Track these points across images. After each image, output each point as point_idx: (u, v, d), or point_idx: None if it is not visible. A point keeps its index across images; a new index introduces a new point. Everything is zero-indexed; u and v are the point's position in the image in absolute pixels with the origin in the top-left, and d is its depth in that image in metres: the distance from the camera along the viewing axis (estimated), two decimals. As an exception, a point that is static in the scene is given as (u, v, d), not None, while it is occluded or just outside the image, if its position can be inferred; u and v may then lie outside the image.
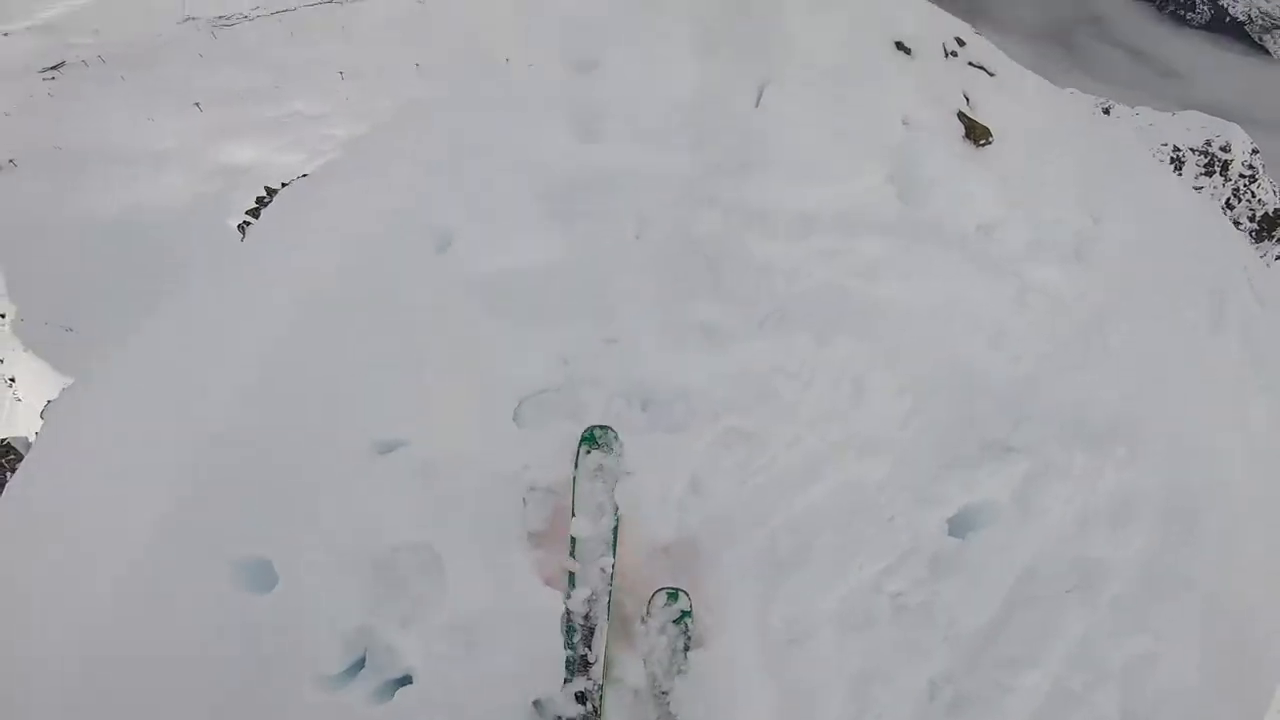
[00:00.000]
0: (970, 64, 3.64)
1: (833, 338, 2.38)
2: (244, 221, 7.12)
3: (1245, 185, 26.58)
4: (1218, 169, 26.90)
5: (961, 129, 3.11)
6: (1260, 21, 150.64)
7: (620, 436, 2.02)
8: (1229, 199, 26.50)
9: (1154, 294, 3.07)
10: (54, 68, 58.09)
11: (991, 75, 3.69)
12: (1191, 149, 27.62)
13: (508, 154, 2.66)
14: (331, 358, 2.28)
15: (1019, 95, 3.75)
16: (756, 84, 2.88)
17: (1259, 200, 26.02)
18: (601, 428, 2.01)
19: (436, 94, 3.96)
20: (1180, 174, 26.45)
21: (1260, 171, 27.86)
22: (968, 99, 3.35)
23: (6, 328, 31.86)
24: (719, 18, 3.09)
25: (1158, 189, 4.30)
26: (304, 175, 7.23)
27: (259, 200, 6.78)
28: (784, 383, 2.27)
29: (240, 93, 53.64)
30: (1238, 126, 30.14)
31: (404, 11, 79.95)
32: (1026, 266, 2.78)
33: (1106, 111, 34.69)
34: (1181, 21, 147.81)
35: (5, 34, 75.82)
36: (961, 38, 3.77)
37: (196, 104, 52.34)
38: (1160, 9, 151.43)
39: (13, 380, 29.38)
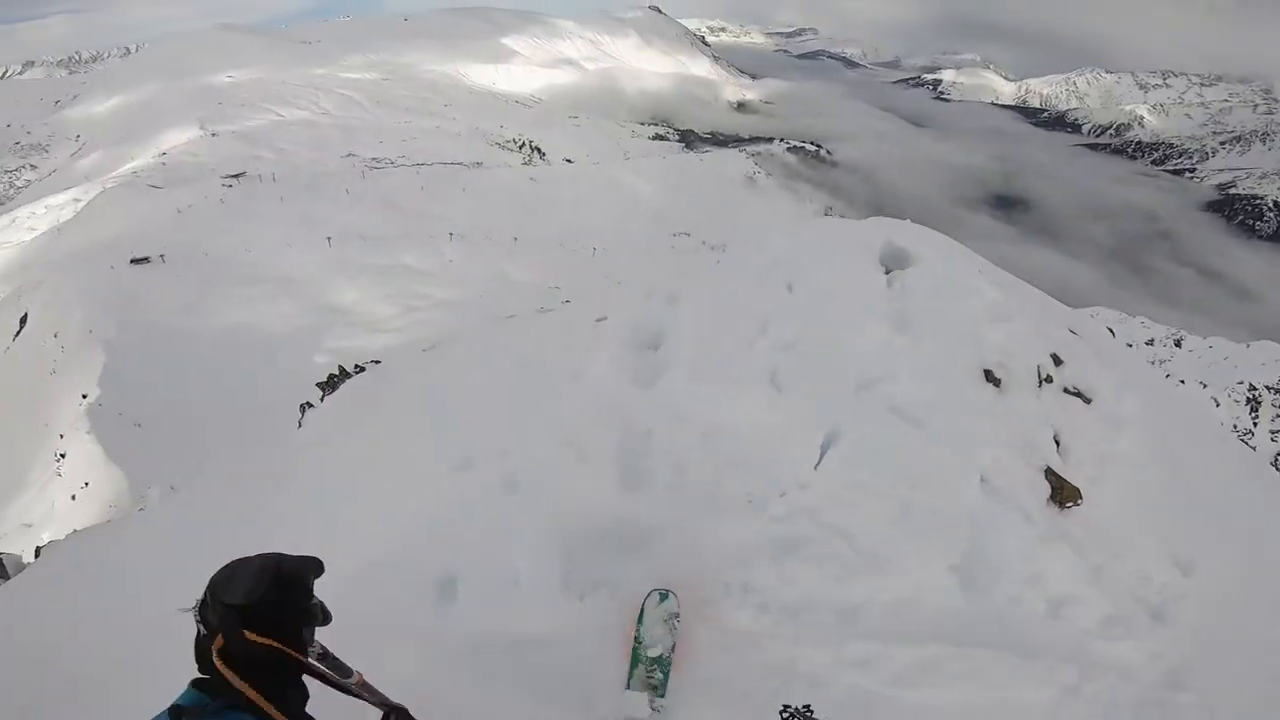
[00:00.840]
0: (1066, 390, 3.26)
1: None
2: (306, 403, 7.31)
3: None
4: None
5: (1048, 488, 2.68)
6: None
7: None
8: (1307, 445, 24.74)
9: (1241, 638, 2.61)
10: (235, 176, 67.88)
11: (1088, 402, 3.30)
12: (1268, 387, 26.43)
13: (544, 494, 2.48)
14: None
15: (1116, 422, 3.33)
16: (824, 431, 2.59)
17: (1339, 445, 24.23)
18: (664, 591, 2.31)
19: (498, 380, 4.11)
20: (1256, 416, 25.04)
21: (1348, 416, 26.11)
22: (1058, 441, 2.94)
23: (83, 407, 33.97)
24: (797, 337, 2.89)
25: (1254, 505, 3.72)
26: (375, 362, 7.43)
27: (330, 377, 7.05)
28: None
29: (366, 235, 60.37)
30: (1314, 361, 28.89)
31: (517, 184, 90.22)
32: (1095, 645, 2.39)
33: (1178, 344, 34.05)
34: (1250, 232, 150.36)
35: (214, 134, 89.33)
36: (1059, 354, 3.40)
37: (328, 238, 58.93)
38: (1229, 220, 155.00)
39: (63, 456, 30.68)
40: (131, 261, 48.50)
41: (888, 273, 3.50)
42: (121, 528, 4.14)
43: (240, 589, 0.96)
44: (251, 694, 0.94)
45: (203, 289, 47.50)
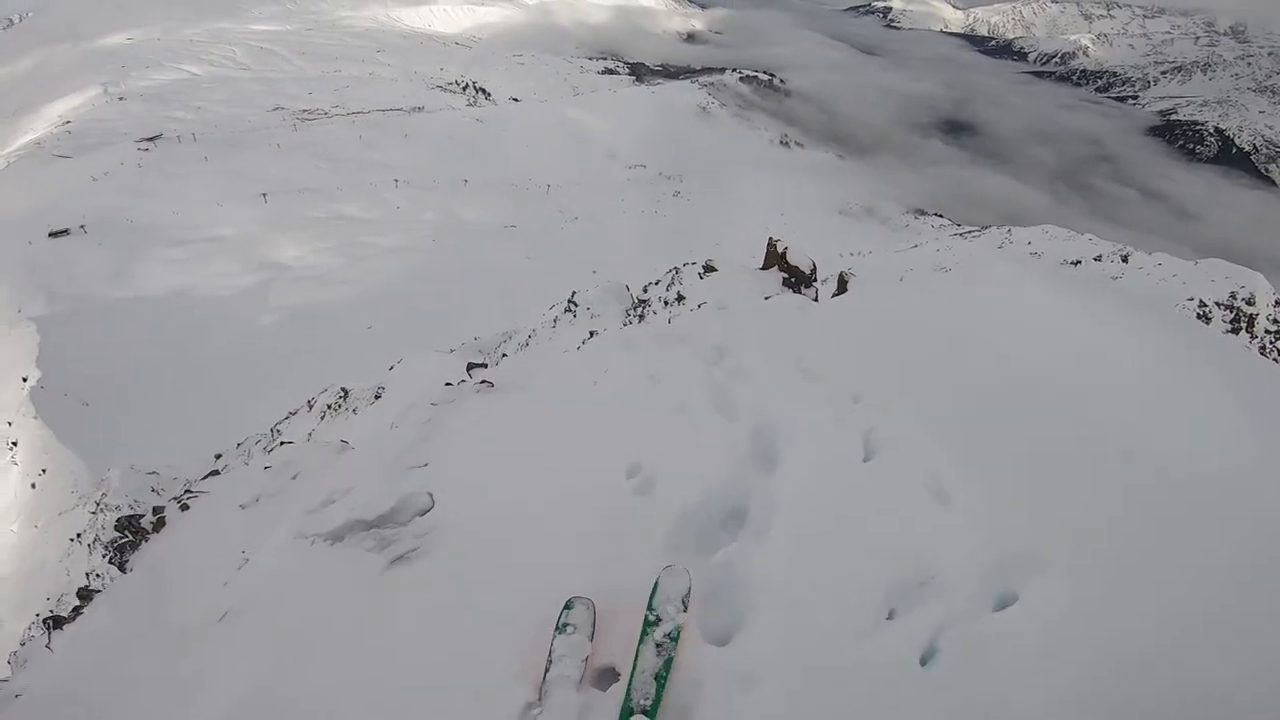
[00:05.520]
0: None
1: None
2: (50, 617, 5.88)
3: (1271, 342, 26.40)
4: (1244, 324, 26.83)
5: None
6: (1265, 150, 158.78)
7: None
8: (1259, 356, 26.16)
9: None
10: (151, 139, 62.72)
11: None
12: (1217, 303, 27.72)
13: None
14: None
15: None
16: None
17: (1290, 358, 25.72)
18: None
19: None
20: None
21: (1287, 324, 27.77)
22: None
23: (26, 391, 32.06)
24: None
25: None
26: (184, 500, 5.05)
27: (128, 523, 5.75)
28: None
29: (303, 188, 57.17)
30: (1260, 276, 30.27)
31: (463, 126, 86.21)
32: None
33: (1125, 259, 35.20)
34: (1191, 155, 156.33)
35: (121, 98, 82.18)
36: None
37: (263, 194, 55.58)
38: (1170, 143, 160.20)
39: (14, 444, 29.08)
40: (50, 235, 45.10)
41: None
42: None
43: None
44: None
45: (132, 256, 44.68)
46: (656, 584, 2.20)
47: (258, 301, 42.73)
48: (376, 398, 15.34)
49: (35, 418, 28.22)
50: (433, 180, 64.36)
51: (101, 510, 24.15)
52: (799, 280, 11.16)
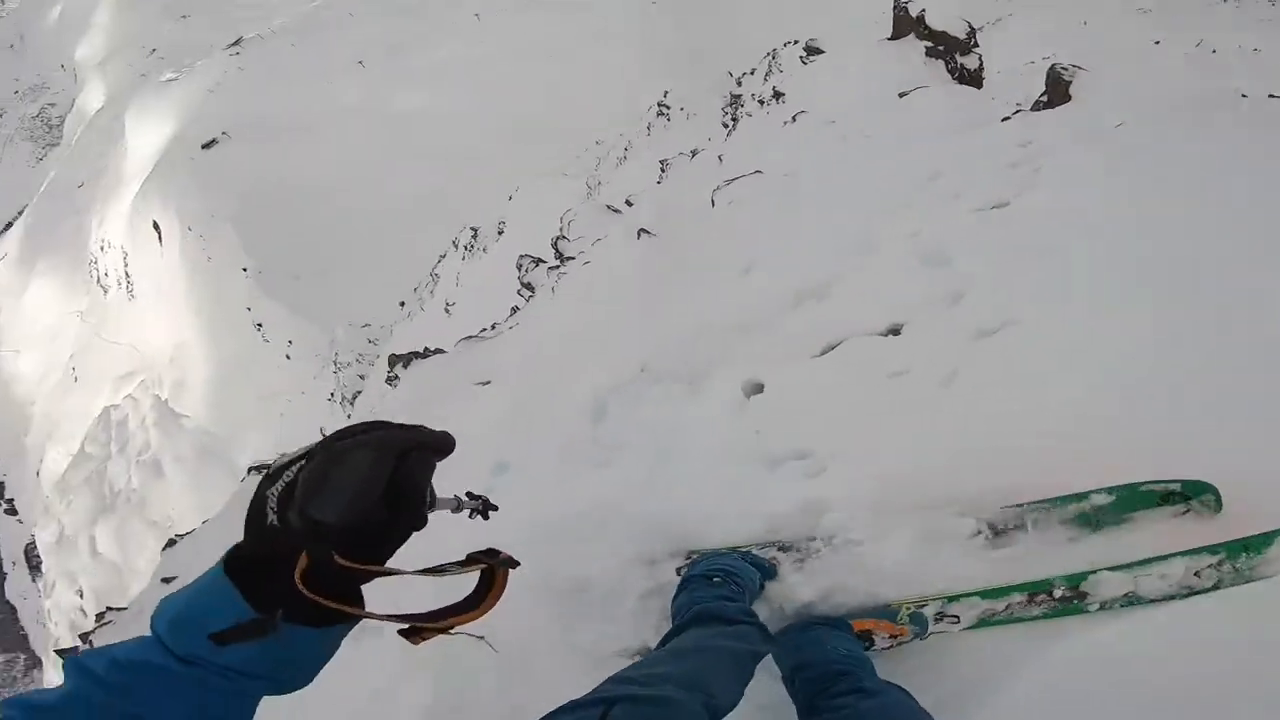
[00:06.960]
0: None
1: None
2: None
3: None
4: None
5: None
6: None
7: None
8: None
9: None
10: (234, 44, 64.31)
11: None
12: None
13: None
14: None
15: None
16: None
17: None
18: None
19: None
20: None
21: None
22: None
23: (250, 278, 38.18)
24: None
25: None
26: None
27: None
28: None
29: (394, 44, 56.38)
30: None
31: None
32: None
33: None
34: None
35: (184, 16, 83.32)
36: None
37: (360, 61, 55.95)
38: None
39: (259, 325, 35.35)
40: (202, 147, 49.82)
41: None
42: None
43: (335, 505, 0.63)
44: (351, 611, 0.66)
45: (276, 151, 48.24)
46: None
47: (400, 155, 44.75)
48: (500, 233, 16.50)
49: (268, 298, 33.87)
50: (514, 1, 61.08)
51: (340, 368, 29.65)
52: (950, 49, 8.18)
